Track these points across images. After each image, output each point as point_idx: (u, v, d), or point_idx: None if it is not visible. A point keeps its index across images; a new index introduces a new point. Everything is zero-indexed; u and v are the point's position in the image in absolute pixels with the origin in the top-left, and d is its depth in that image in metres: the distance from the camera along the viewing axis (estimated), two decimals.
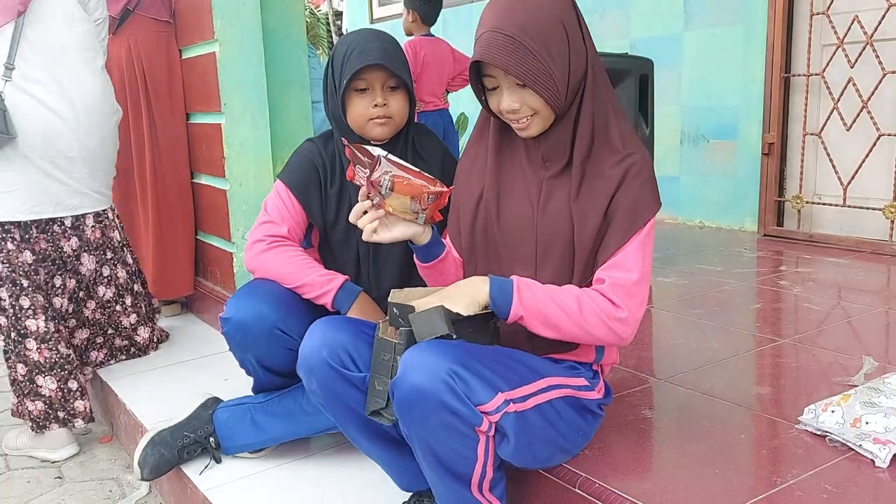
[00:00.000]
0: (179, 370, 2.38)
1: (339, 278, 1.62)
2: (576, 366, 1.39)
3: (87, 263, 2.29)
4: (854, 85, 3.37)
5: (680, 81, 4.16)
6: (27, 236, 2.13)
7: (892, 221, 3.29)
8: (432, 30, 4.21)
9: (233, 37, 2.44)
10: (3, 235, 2.10)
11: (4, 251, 2.10)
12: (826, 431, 1.46)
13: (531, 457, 1.30)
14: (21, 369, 2.13)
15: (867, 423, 1.42)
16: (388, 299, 1.26)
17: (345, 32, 7.12)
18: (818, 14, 3.48)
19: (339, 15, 7.64)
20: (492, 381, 1.18)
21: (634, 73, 2.90)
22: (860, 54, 3.33)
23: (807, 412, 1.53)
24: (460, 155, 1.51)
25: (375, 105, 1.61)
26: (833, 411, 1.48)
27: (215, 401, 1.82)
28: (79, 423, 2.18)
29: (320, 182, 1.69)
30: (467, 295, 1.23)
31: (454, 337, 1.18)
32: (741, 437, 1.55)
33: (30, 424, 2.16)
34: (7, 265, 2.09)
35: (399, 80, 1.62)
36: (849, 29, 3.35)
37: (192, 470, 1.75)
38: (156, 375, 2.34)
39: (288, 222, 1.66)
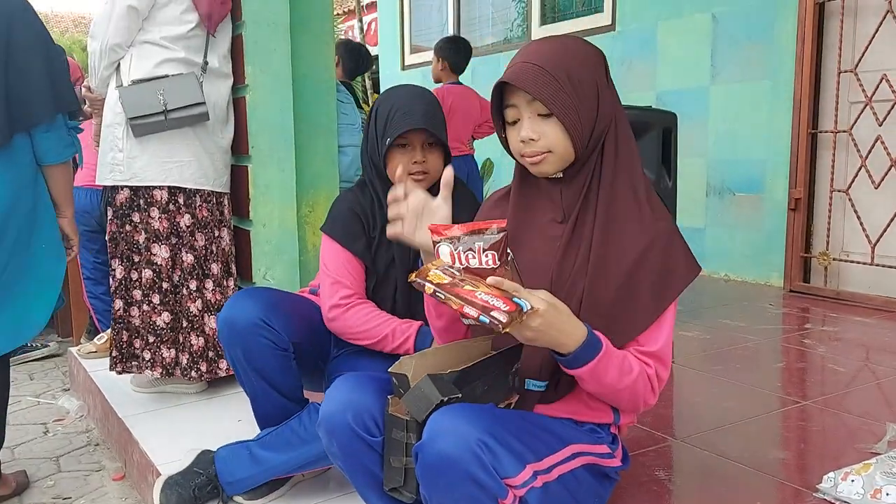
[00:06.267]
0: (195, 410, 2.38)
1: (416, 324, 1.70)
2: (596, 429, 1.36)
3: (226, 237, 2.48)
4: (882, 143, 3.34)
5: (706, 134, 4.17)
6: (190, 203, 2.36)
7: None
8: (460, 77, 4.28)
9: (264, 83, 2.50)
10: (169, 199, 2.35)
11: (168, 213, 2.35)
12: (845, 501, 1.42)
13: None
14: (166, 318, 2.36)
15: (888, 494, 1.37)
16: (389, 370, 1.24)
17: (380, 79, 7.25)
18: (846, 72, 3.47)
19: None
20: (520, 452, 1.16)
21: (658, 126, 2.90)
22: (888, 113, 3.31)
23: (826, 480, 1.49)
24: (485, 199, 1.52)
25: (415, 162, 1.70)
26: (853, 480, 1.43)
27: (207, 452, 1.82)
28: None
29: (363, 228, 1.78)
30: (564, 335, 1.17)
31: (460, 397, 1.17)
32: None
33: (160, 371, 2.37)
34: (169, 225, 2.36)
35: (437, 139, 1.71)
36: (877, 87, 3.34)
37: None
38: (171, 414, 2.35)
39: (350, 277, 1.76)
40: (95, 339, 3.04)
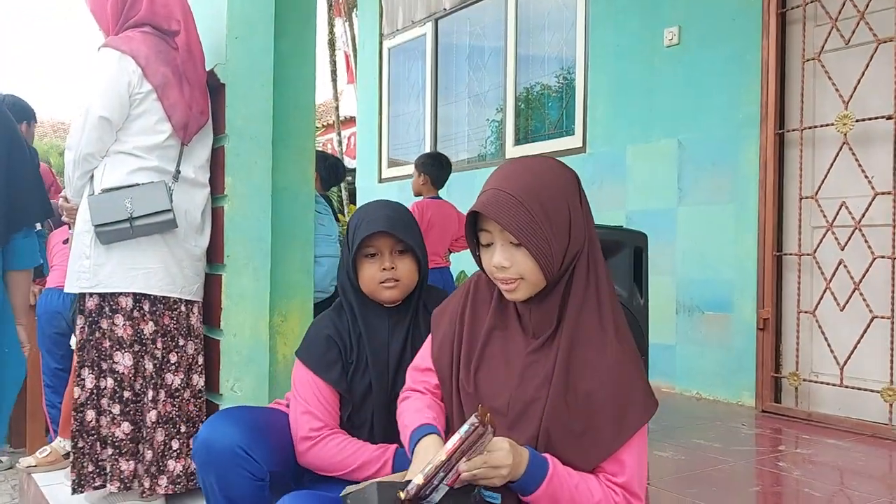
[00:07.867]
0: None
1: (391, 448, 1.63)
2: None
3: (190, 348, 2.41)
4: (845, 267, 3.44)
5: (674, 253, 4.27)
6: (154, 310, 2.32)
7: (891, 405, 3.24)
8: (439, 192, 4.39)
9: (242, 194, 2.52)
10: (134, 305, 2.30)
11: (133, 319, 2.30)
12: None
13: None
14: (126, 428, 2.26)
15: None
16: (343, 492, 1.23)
17: (356, 191, 7.40)
18: (807, 198, 3.62)
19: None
20: None
21: (629, 245, 2.97)
22: (849, 238, 3.43)
23: None
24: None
25: (384, 269, 1.68)
26: None
27: None
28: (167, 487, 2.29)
29: (340, 354, 1.71)
30: (507, 468, 1.18)
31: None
32: None
33: (118, 485, 2.25)
34: (133, 332, 2.31)
35: (406, 245, 1.69)
36: (837, 213, 3.48)
37: None
38: None
39: (321, 407, 1.68)
40: (38, 453, 2.88)
